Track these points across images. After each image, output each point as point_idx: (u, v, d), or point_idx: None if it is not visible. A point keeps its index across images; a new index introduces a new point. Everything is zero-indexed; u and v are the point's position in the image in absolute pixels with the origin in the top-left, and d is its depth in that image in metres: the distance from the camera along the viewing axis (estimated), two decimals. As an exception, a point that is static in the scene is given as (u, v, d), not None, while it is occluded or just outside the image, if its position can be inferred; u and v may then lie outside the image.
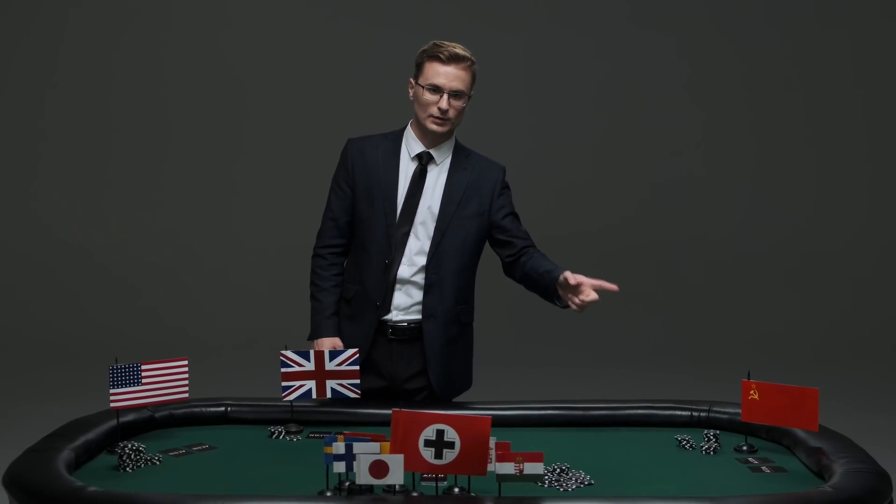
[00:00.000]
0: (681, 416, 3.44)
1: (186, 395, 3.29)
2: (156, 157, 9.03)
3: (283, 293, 7.90)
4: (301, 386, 3.34)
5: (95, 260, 8.84)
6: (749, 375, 3.16)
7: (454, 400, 3.73)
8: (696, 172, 9.17)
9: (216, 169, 9.05)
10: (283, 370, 3.34)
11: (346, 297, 3.71)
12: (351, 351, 3.38)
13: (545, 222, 8.99)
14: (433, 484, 2.73)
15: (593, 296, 3.40)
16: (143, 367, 3.20)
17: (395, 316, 3.64)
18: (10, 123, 8.98)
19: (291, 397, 3.35)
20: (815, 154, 9.17)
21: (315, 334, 3.71)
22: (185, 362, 3.28)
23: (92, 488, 2.67)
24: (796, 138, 9.17)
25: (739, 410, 3.20)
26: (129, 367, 3.17)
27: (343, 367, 3.36)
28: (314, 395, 3.36)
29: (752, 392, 3.10)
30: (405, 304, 3.64)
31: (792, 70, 9.16)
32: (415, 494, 2.70)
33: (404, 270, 3.61)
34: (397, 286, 3.62)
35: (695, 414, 3.43)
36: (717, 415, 3.41)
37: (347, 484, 2.70)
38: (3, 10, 8.90)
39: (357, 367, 3.37)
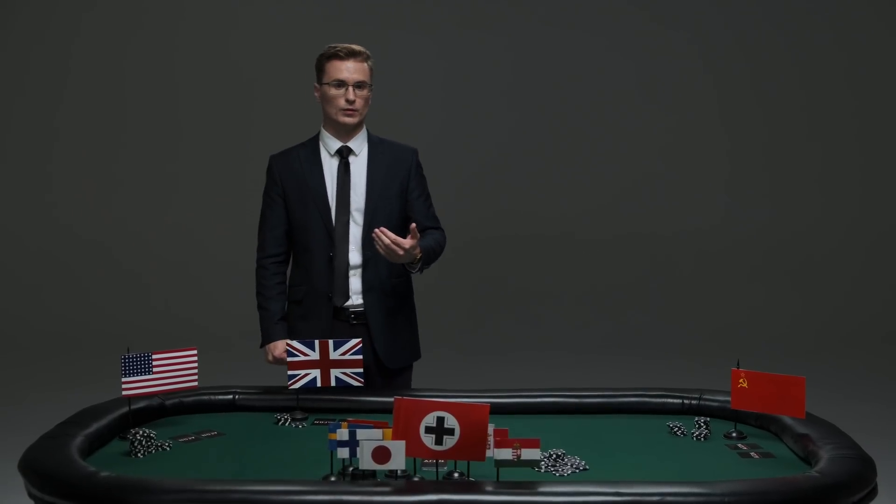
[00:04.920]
0: (673, 403, 3.50)
1: (196, 383, 3.35)
2: (167, 155, 9.10)
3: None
4: (306, 375, 3.41)
5: (108, 254, 8.92)
6: (738, 365, 3.20)
7: (459, 389, 3.79)
8: (692, 166, 9.21)
9: (224, 165, 9.12)
10: (288, 359, 3.41)
11: (295, 300, 3.86)
12: (355, 341, 3.44)
13: (538, 218, 9.09)
14: (434, 469, 2.78)
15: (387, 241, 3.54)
16: (154, 356, 3.26)
17: (354, 300, 3.79)
18: (25, 122, 9.06)
19: (297, 385, 3.41)
20: (813, 153, 9.21)
21: (267, 340, 3.85)
22: (195, 352, 3.35)
23: (104, 473, 2.71)
24: (797, 136, 9.21)
25: (729, 398, 3.25)
26: (140, 357, 3.23)
27: (347, 357, 3.43)
28: (319, 384, 3.42)
29: (741, 381, 3.15)
30: (361, 287, 3.78)
31: (781, 69, 9.19)
32: (416, 479, 2.74)
33: (354, 256, 3.78)
34: (351, 272, 3.78)
35: (686, 401, 3.49)
36: (708, 402, 3.46)
37: (351, 469, 2.75)
38: (19, 13, 8.97)
39: (360, 357, 3.44)
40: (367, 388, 3.65)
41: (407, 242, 3.55)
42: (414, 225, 3.59)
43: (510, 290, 8.94)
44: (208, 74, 9.07)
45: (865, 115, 9.16)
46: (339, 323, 3.79)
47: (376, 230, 3.54)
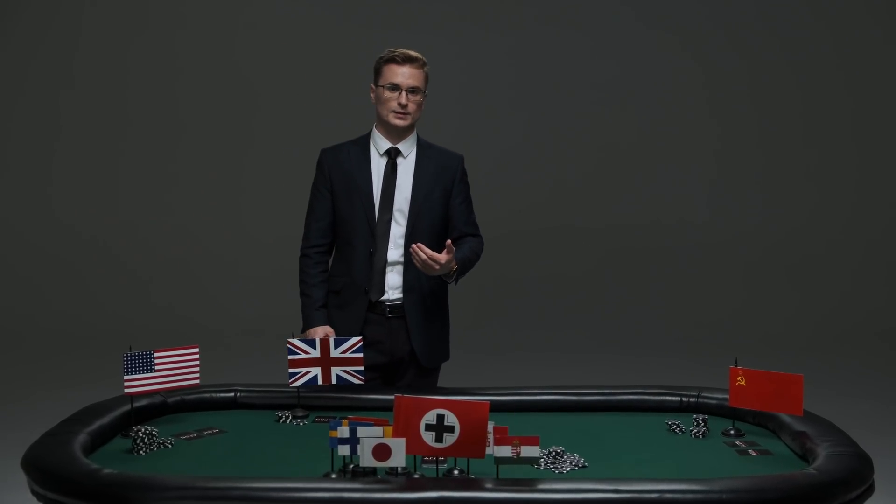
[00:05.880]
0: (671, 401, 3.52)
1: (197, 381, 3.36)
2: (168, 154, 9.11)
3: (290, 283, 7.97)
4: (307, 372, 3.43)
5: (110, 252, 8.93)
6: (736, 363, 3.22)
7: (459, 387, 3.83)
8: (690, 165, 9.22)
9: (225, 165, 9.13)
10: (290, 357, 3.43)
11: (334, 290, 3.93)
12: (355, 339, 3.47)
13: (536, 218, 9.11)
14: (434, 466, 2.80)
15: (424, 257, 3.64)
16: (156, 354, 3.27)
17: (390, 295, 3.86)
18: (28, 122, 9.07)
19: (298, 383, 3.43)
20: (809, 151, 9.22)
21: (308, 325, 3.89)
22: (196, 350, 3.36)
23: (107, 470, 2.72)
24: (794, 134, 9.22)
25: (727, 396, 3.26)
26: (142, 355, 3.25)
27: (347, 355, 3.45)
28: (320, 382, 3.44)
29: (739, 378, 3.16)
30: (398, 283, 3.87)
31: (777, 67, 9.21)
32: (416, 476, 2.75)
33: (392, 254, 3.86)
34: (388, 268, 3.86)
35: (684, 399, 3.51)
36: (706, 400, 3.48)
37: (352, 466, 2.77)
38: (22, 13, 8.99)
39: (361, 355, 3.46)
40: (395, 386, 3.78)
41: (443, 257, 3.64)
42: (449, 241, 3.67)
43: (509, 289, 8.95)
44: (210, 74, 9.08)
45: (862, 112, 9.17)
46: (376, 315, 3.87)
47: (413, 245, 3.63)
